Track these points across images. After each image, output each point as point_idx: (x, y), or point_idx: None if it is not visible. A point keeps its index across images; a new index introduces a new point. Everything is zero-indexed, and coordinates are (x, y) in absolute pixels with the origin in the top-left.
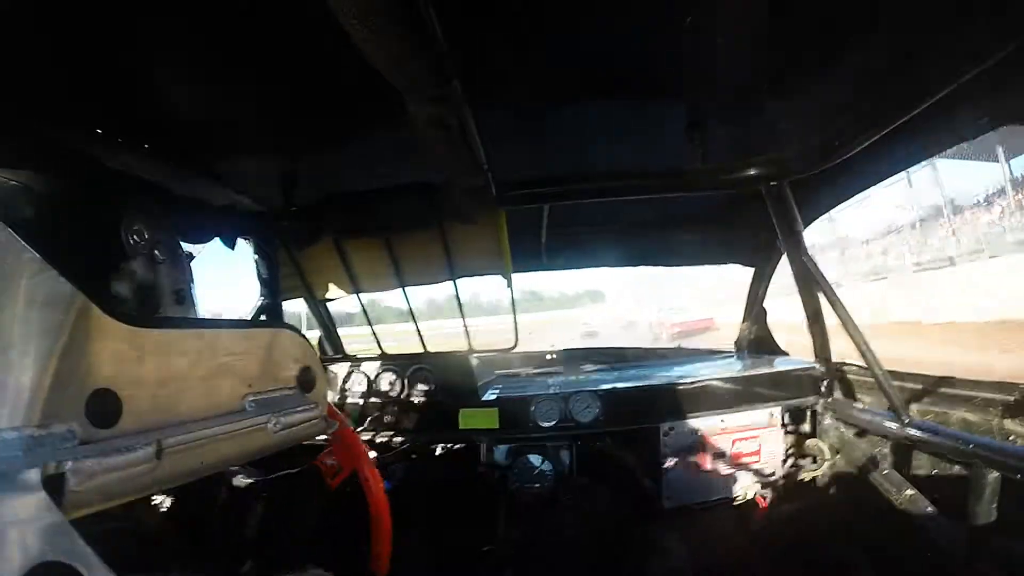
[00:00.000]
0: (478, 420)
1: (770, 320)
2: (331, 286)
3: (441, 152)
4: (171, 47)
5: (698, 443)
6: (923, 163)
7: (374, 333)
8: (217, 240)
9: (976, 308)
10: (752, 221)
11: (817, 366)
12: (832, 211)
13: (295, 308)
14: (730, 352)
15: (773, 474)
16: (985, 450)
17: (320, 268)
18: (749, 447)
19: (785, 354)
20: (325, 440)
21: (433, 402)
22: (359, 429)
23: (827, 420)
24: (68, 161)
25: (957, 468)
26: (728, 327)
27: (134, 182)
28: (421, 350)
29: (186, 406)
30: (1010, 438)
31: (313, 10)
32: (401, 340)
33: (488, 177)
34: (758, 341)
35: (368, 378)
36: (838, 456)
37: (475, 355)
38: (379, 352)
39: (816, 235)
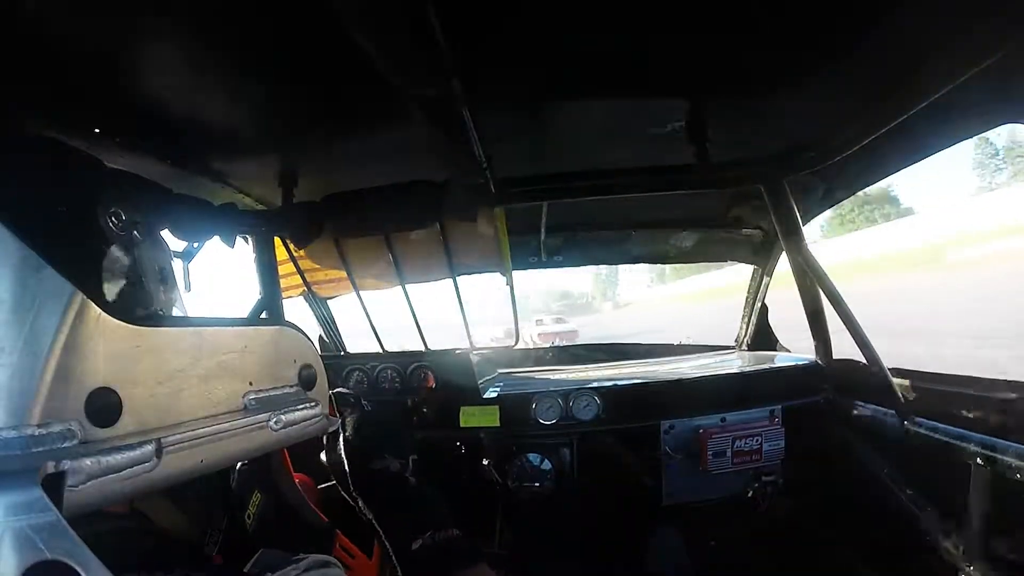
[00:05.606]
0: (479, 418)
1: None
2: (331, 284)
3: (440, 150)
4: (171, 46)
5: (698, 441)
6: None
7: (374, 330)
8: (217, 238)
9: None
10: (752, 220)
11: (819, 363)
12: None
13: (295, 306)
14: (731, 349)
15: (773, 473)
16: (986, 448)
17: (320, 266)
18: (749, 445)
19: (786, 351)
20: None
21: (434, 400)
22: None
23: (828, 418)
24: (64, 158)
25: (958, 467)
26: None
27: (126, 175)
28: (422, 347)
29: (186, 404)
30: (1011, 437)
31: (313, 9)
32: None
33: (487, 175)
34: (759, 338)
35: (369, 376)
36: (839, 454)
37: (476, 352)
38: (380, 350)
39: None
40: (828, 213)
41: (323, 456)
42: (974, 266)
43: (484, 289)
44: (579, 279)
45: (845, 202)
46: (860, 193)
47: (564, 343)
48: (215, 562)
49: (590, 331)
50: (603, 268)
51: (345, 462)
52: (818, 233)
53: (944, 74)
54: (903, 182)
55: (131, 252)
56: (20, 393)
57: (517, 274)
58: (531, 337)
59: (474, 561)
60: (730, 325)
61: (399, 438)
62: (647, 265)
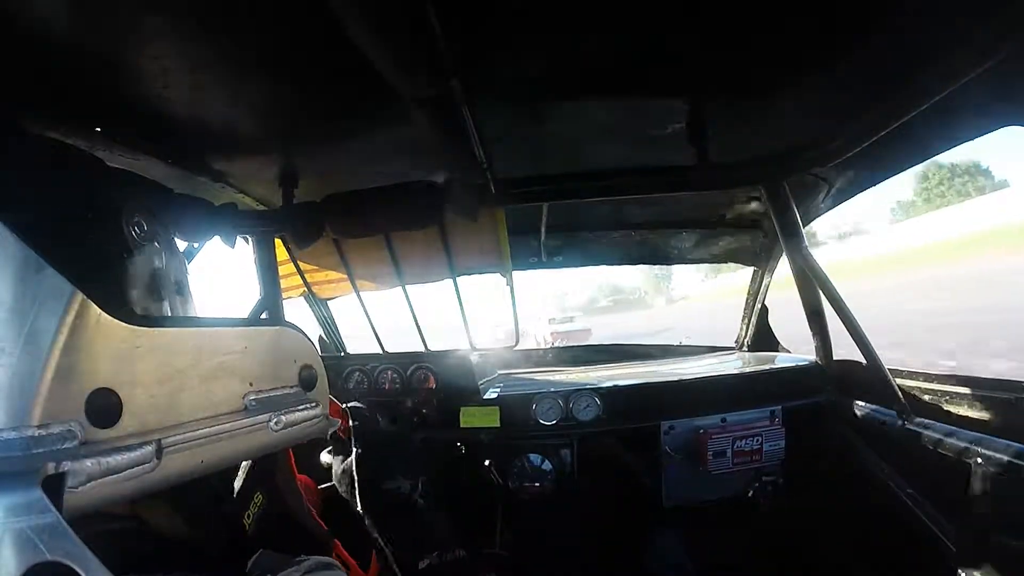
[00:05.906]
0: (479, 419)
1: None
2: (331, 284)
3: (440, 150)
4: (171, 46)
5: (698, 442)
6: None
7: (375, 331)
8: (217, 239)
9: None
10: (752, 221)
11: (819, 364)
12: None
13: (295, 307)
14: (731, 349)
15: (774, 473)
16: (987, 448)
17: (320, 266)
18: (750, 445)
19: (787, 351)
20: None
21: (434, 400)
22: None
23: (829, 418)
24: (67, 158)
25: (958, 467)
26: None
27: (130, 176)
28: (422, 348)
29: (186, 405)
30: (1011, 437)
31: (313, 8)
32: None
33: (487, 176)
34: (759, 339)
35: (369, 377)
36: (839, 455)
37: (476, 353)
38: (380, 350)
39: None
40: (909, 193)
41: (330, 462)
42: None
43: (493, 288)
44: (631, 274)
45: (932, 177)
46: (947, 164)
47: (574, 343)
48: (214, 563)
49: (640, 327)
50: None
51: (356, 480)
52: (888, 218)
53: (945, 76)
54: (990, 152)
55: (137, 254)
56: (20, 394)
57: (559, 270)
58: (544, 337)
59: None
60: (778, 314)
61: (411, 459)
62: None
